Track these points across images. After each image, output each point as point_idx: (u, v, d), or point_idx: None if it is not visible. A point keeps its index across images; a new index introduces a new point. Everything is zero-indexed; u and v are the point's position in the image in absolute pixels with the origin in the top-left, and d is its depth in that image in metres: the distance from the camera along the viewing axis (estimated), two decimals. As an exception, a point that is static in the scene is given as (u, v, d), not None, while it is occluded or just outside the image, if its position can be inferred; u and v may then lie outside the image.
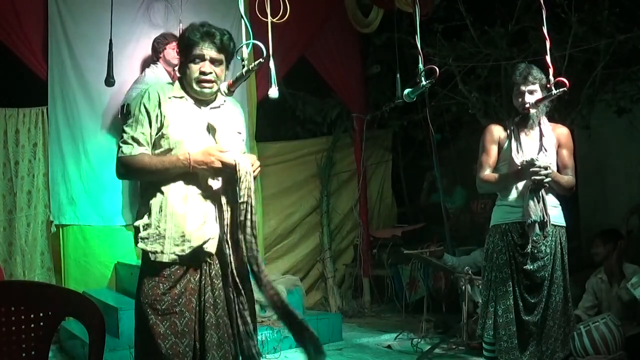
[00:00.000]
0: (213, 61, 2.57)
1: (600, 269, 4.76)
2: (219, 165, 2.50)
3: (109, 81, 4.75)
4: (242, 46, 2.56)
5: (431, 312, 5.73)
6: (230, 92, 2.65)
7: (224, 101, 2.71)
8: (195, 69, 2.56)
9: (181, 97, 2.61)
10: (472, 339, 4.78)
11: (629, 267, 4.61)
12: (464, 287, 4.97)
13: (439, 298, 5.98)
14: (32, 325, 1.99)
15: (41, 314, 2.00)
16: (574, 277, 3.65)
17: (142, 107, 2.55)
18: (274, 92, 2.63)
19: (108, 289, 5.52)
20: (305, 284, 6.61)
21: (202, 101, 2.64)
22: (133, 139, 2.53)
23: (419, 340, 5.14)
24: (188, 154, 2.49)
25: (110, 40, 4.75)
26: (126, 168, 2.55)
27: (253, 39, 2.55)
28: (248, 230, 2.49)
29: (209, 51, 2.55)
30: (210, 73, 2.57)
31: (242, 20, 2.60)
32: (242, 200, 2.48)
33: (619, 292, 4.53)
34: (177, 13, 5.53)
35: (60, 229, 5.42)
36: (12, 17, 5.23)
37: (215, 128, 2.60)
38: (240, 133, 2.74)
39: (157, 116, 2.54)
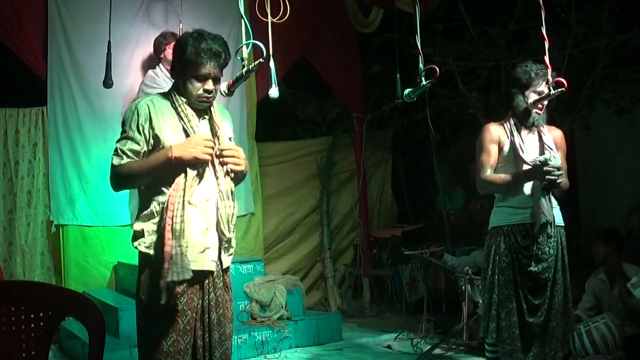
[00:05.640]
0: (216, 79, 2.58)
1: (600, 270, 4.74)
2: (202, 155, 2.48)
3: (107, 83, 4.74)
4: (242, 46, 2.56)
5: (431, 312, 5.73)
6: (230, 92, 2.64)
7: (212, 110, 2.69)
8: (198, 86, 2.55)
9: (175, 109, 2.59)
10: (472, 339, 4.78)
11: (630, 268, 4.59)
12: (464, 287, 4.97)
13: (439, 298, 5.97)
14: (32, 325, 1.99)
15: (41, 314, 2.00)
16: (573, 277, 3.63)
17: (133, 123, 2.55)
18: (274, 92, 2.63)
19: (108, 289, 5.53)
20: (305, 284, 6.61)
21: (195, 111, 2.62)
22: (122, 151, 2.55)
23: (419, 340, 5.14)
24: (170, 145, 2.49)
25: (109, 42, 4.73)
26: (116, 177, 2.58)
27: (253, 39, 2.55)
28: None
29: (214, 70, 2.55)
30: (213, 91, 2.58)
31: (242, 20, 2.60)
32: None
33: (624, 294, 4.52)
34: (177, 13, 5.53)
35: (60, 229, 5.41)
36: (12, 17, 5.23)
37: (218, 133, 2.60)
38: (230, 139, 2.73)
39: (149, 132, 2.54)
